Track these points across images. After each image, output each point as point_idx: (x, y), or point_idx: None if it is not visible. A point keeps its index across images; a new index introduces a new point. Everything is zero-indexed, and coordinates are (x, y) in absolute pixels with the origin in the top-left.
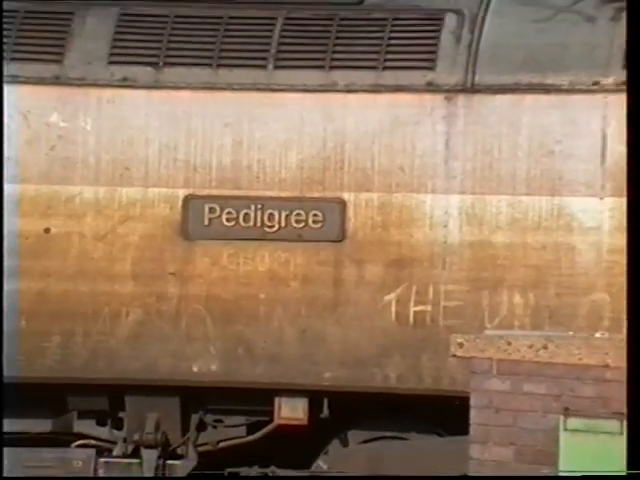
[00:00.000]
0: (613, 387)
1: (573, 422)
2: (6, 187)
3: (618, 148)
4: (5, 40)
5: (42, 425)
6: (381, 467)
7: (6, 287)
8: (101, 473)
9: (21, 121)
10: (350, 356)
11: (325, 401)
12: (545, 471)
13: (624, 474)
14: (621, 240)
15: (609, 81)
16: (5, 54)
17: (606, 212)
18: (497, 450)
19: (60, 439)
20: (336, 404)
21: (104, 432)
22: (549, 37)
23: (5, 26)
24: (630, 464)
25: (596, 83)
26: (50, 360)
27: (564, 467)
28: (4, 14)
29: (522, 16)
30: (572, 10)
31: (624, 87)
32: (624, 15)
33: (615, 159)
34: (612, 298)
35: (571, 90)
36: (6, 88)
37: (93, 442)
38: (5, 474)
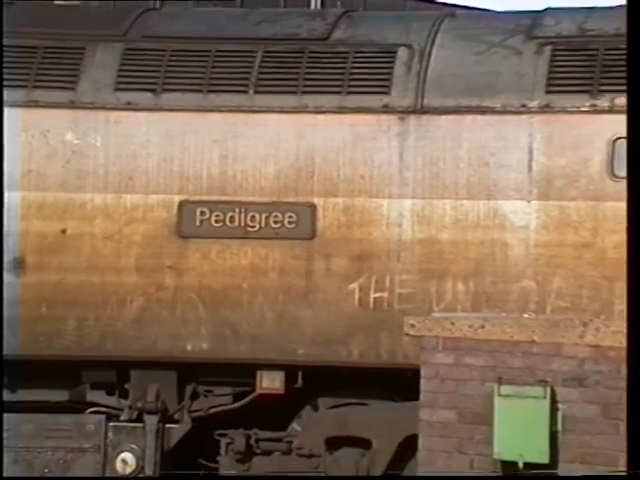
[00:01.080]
0: (538, 359)
1: (505, 389)
2: (29, 195)
3: (542, 160)
4: (27, 71)
5: (60, 395)
6: (345, 427)
7: (29, 279)
8: (110, 436)
9: (41, 139)
10: (320, 336)
11: (299, 374)
12: (485, 429)
13: (624, 474)
14: (545, 236)
15: (534, 104)
16: (28, 83)
17: (533, 213)
18: (442, 413)
19: (75, 407)
20: (308, 376)
21: (113, 401)
22: (485, 67)
23: (27, 59)
24: (630, 464)
25: (523, 105)
26: (67, 341)
27: (498, 426)
28: (26, 49)
29: (462, 50)
30: (503, 45)
31: (547, 109)
32: (546, 49)
33: (540, 169)
34: (537, 285)
35: (503, 111)
36: (29, 111)
37: (103, 409)
38: (30, 436)
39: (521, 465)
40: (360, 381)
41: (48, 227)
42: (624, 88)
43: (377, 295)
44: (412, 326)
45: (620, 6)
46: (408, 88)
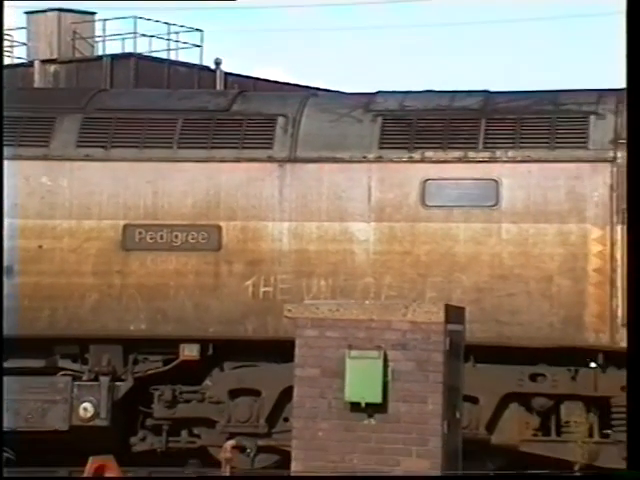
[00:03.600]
0: (375, 332)
1: (353, 353)
2: (15, 221)
3: (377, 194)
4: (14, 134)
5: (38, 362)
6: (243, 382)
7: (15, 280)
8: (75, 391)
9: (24, 182)
10: (224, 318)
11: (210, 345)
12: (339, 382)
13: (624, 474)
14: (379, 247)
15: (371, 156)
16: (14, 142)
17: (371, 231)
18: (310, 370)
19: (49, 371)
20: (217, 347)
21: (77, 366)
22: (337, 130)
23: (14, 126)
24: (630, 464)
25: (364, 157)
26: (43, 324)
27: (348, 378)
28: (13, 118)
29: (322, 118)
30: (350, 115)
31: (380, 160)
32: (379, 119)
33: (376, 200)
34: (375, 281)
35: (350, 161)
36: (15, 163)
37: (70, 372)
38: (17, 392)
39: (363, 404)
40: (253, 350)
41: (29, 244)
42: (431, 145)
43: (265, 289)
44: (289, 311)
45: (430, 90)
46: (285, 145)
